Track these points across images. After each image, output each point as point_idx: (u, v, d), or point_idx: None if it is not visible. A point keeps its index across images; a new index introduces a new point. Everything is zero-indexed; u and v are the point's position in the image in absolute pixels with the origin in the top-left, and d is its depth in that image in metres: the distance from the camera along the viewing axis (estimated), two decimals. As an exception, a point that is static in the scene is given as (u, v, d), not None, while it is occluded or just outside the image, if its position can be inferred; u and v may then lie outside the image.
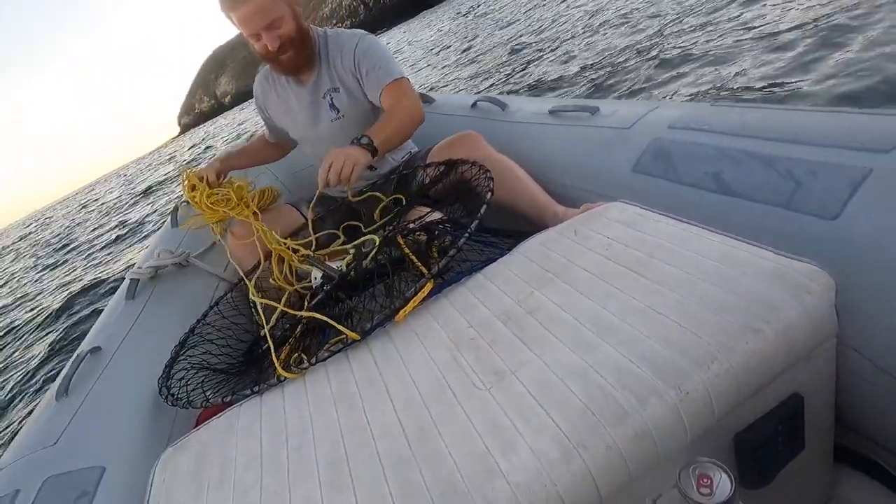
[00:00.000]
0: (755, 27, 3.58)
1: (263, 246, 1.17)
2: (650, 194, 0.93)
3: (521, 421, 0.51)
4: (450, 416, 0.56)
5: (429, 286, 0.76)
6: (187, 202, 1.84)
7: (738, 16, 3.97)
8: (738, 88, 2.87)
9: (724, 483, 0.47)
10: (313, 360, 0.73)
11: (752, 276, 0.58)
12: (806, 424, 0.59)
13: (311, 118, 1.35)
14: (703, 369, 0.50)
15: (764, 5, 3.92)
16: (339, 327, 0.73)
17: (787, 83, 2.66)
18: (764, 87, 2.75)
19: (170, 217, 1.71)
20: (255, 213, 1.29)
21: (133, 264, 1.48)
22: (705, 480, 0.48)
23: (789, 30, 3.24)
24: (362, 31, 1.33)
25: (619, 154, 1.05)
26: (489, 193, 0.89)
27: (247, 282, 1.09)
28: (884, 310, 0.57)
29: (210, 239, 1.53)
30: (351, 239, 1.07)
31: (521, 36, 8.20)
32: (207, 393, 0.82)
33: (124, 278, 1.37)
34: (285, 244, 1.13)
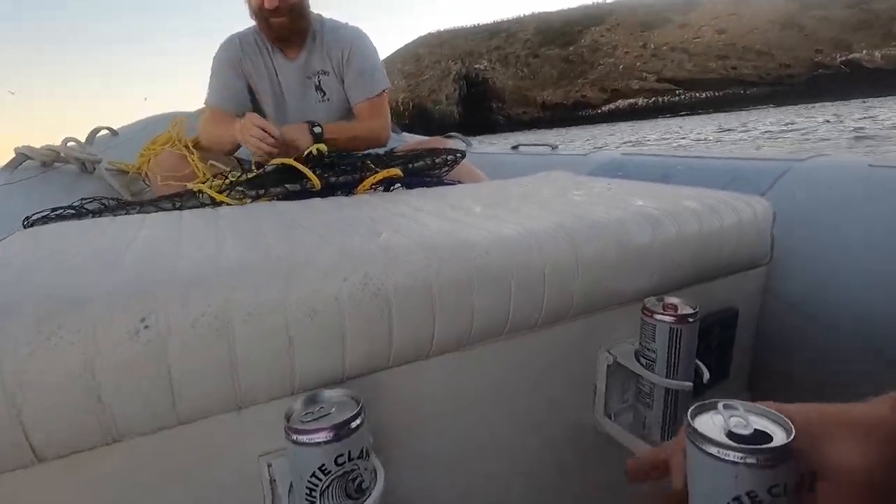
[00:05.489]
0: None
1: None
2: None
3: (506, 212, 0.49)
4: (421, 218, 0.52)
5: (395, 171, 0.75)
6: None
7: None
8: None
9: (685, 308, 0.48)
10: (261, 192, 0.66)
11: (713, 194, 0.65)
12: (734, 344, 0.62)
13: (299, 95, 1.36)
14: (677, 225, 0.53)
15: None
16: (302, 168, 0.68)
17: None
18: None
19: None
20: (187, 147, 1.22)
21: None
22: (669, 307, 0.48)
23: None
24: (359, 30, 1.40)
25: (576, 171, 1.16)
26: (460, 155, 0.93)
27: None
28: (796, 258, 0.66)
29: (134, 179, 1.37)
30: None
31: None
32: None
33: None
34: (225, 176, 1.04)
